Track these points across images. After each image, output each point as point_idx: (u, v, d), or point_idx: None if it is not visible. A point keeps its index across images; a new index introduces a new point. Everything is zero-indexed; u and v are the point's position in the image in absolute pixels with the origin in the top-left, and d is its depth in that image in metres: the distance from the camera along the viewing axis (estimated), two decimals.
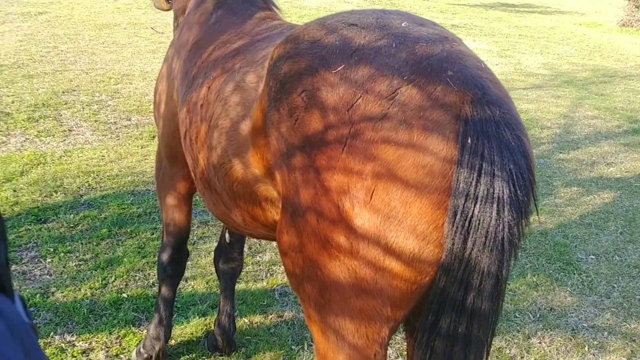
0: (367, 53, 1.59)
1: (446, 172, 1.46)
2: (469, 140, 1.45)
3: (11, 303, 0.58)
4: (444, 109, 1.47)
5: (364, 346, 1.65)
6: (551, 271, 4.41)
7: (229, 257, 3.28)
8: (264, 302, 3.76)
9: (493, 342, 2.20)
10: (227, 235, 3.24)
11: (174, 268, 3.05)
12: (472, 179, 1.45)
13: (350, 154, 1.51)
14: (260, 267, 4.16)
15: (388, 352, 2.02)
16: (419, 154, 1.46)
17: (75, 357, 3.11)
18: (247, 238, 3.47)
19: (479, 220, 1.46)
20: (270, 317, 3.63)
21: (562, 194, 5.81)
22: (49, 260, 3.96)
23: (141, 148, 5.95)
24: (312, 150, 1.59)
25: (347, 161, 1.51)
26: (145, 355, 3.08)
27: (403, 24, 1.69)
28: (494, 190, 1.46)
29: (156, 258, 3.89)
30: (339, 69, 1.60)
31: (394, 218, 1.49)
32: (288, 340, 3.42)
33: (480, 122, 1.46)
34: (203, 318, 3.55)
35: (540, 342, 3.59)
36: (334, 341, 1.68)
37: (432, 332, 1.60)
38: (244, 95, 1.99)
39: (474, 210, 1.45)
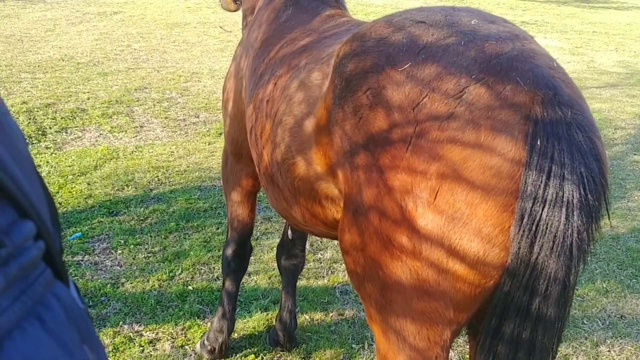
0: (434, 51, 1.57)
1: (514, 174, 1.43)
2: (539, 142, 1.41)
3: (67, 289, 0.61)
4: (513, 109, 1.44)
5: (425, 348, 1.63)
6: (622, 277, 4.23)
7: (291, 254, 3.31)
8: (324, 299, 3.79)
9: (559, 349, 2.14)
10: (289, 232, 3.27)
11: (237, 263, 3.11)
12: (541, 182, 1.41)
13: (415, 154, 1.49)
14: (322, 264, 4.18)
15: (450, 354, 1.99)
16: (486, 155, 1.43)
17: (142, 346, 3.22)
18: (309, 235, 3.50)
19: (547, 224, 1.42)
20: (331, 314, 3.65)
21: (635, 198, 5.57)
22: (120, 251, 4.11)
23: (208, 145, 6.10)
24: (376, 149, 1.58)
25: (412, 160, 1.50)
26: (209, 347, 3.15)
27: (472, 22, 1.66)
28: (563, 194, 1.42)
29: (221, 252, 3.98)
30: (405, 66, 1.58)
31: (458, 220, 1.46)
32: (348, 338, 3.43)
33: (551, 123, 1.42)
34: (265, 313, 3.60)
35: (609, 351, 3.45)
36: (394, 342, 1.67)
37: (495, 337, 1.57)
38: (309, 92, 2.00)
39: (541, 213, 1.42)
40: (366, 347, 3.36)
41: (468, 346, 2.11)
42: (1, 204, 0.50)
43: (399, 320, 1.64)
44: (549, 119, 1.43)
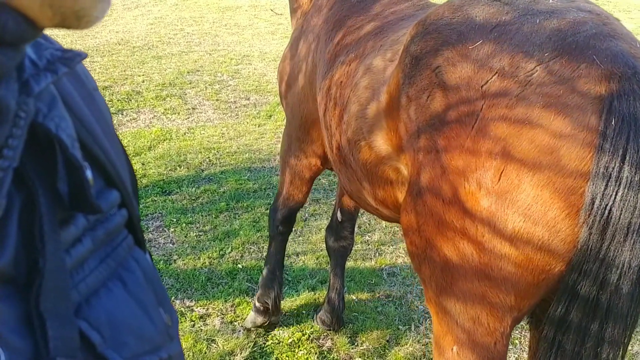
0: (508, 29, 1.52)
1: (584, 156, 1.36)
2: (613, 122, 1.33)
3: (145, 255, 0.65)
4: (586, 87, 1.37)
5: (484, 334, 1.59)
6: None
7: (340, 236, 3.34)
8: (372, 280, 3.81)
9: (630, 345, 2.06)
10: (339, 214, 3.30)
11: (286, 226, 3.20)
12: (615, 164, 1.33)
13: (480, 132, 1.46)
14: (369, 246, 4.20)
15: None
16: (555, 136, 1.37)
17: (193, 321, 3.32)
18: (358, 217, 3.51)
19: (621, 209, 1.34)
20: (377, 295, 3.67)
21: None
22: (172, 229, 4.23)
23: (258, 127, 6.17)
24: (442, 127, 1.55)
25: (477, 140, 1.46)
26: (262, 307, 3.22)
27: (551, 1, 1.60)
28: (639, 177, 1.33)
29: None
30: (476, 44, 1.54)
31: (522, 202, 1.40)
32: (395, 320, 3.45)
33: (628, 102, 1.34)
34: (312, 292, 3.66)
35: None
36: (452, 326, 1.64)
37: (560, 327, 1.51)
38: (376, 76, 1.99)
39: (615, 198, 1.33)
40: (413, 328, 3.37)
41: (529, 335, 2.06)
42: (94, 174, 0.55)
43: (457, 304, 1.60)
44: (626, 97, 1.35)
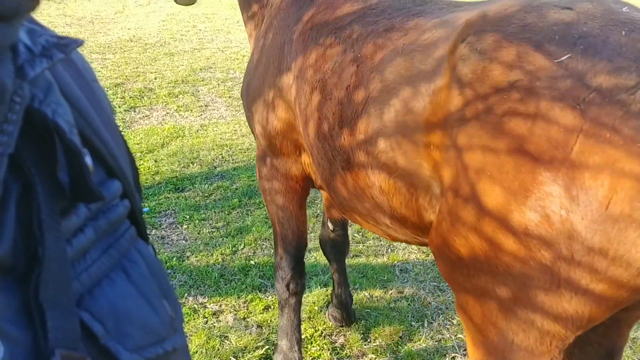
0: (593, 42, 1.39)
1: None
2: None
3: (148, 246, 0.64)
4: None
5: (543, 352, 1.49)
6: None
7: (335, 242, 3.26)
8: (384, 277, 3.79)
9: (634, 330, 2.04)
10: (330, 225, 3.20)
11: (298, 282, 2.78)
12: None
13: (582, 155, 1.32)
14: (382, 242, 4.18)
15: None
16: None
17: (206, 317, 3.33)
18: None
19: None
20: (390, 292, 3.66)
21: None
22: (185, 226, 4.24)
23: None
24: (536, 158, 1.38)
25: (576, 168, 1.33)
26: None
27: (624, 9, 1.48)
28: None
29: None
30: (563, 58, 1.39)
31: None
32: (408, 316, 3.43)
33: None
34: (324, 288, 3.65)
35: None
36: (501, 341, 1.54)
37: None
38: (416, 78, 1.74)
39: None
40: (425, 325, 3.35)
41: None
42: (94, 164, 0.54)
43: (521, 316, 1.48)
44: None
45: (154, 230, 4.17)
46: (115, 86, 6.92)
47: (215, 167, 5.16)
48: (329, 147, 2.11)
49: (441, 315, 3.44)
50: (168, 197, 4.62)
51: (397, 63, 1.83)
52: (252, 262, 3.86)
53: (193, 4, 3.08)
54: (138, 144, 5.53)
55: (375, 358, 3.11)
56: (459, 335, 3.28)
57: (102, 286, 0.53)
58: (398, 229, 2.02)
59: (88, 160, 0.50)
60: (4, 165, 0.43)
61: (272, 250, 3.99)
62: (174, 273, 3.72)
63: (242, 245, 4.04)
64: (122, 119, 6.13)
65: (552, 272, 1.39)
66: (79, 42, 0.52)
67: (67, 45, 0.51)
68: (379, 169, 1.89)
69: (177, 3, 2.99)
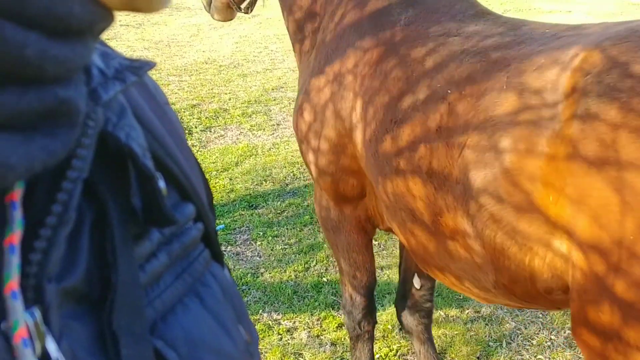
0: None
1: None
2: None
3: (222, 269, 0.64)
4: None
5: None
6: None
7: (419, 308, 2.76)
8: (460, 296, 3.69)
9: None
10: (416, 282, 2.71)
11: (370, 320, 2.62)
12: None
13: None
14: None
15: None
16: None
17: (280, 334, 3.34)
18: None
19: None
20: (466, 311, 3.56)
21: None
22: (259, 243, 4.30)
23: None
24: None
25: None
26: None
27: None
28: None
29: None
30: None
31: None
32: (485, 336, 3.32)
33: None
34: None
35: None
36: None
37: None
38: (532, 120, 1.52)
39: None
40: (504, 345, 3.24)
41: None
42: (167, 187, 0.54)
43: None
44: None
45: (229, 247, 4.24)
46: (192, 107, 7.13)
47: (287, 185, 5.22)
48: (410, 195, 1.87)
49: (520, 336, 3.31)
50: (242, 215, 4.70)
51: (503, 101, 1.58)
52: (324, 279, 3.86)
53: (231, 19, 3.18)
54: (214, 162, 5.66)
55: None
56: (539, 357, 3.15)
57: (175, 312, 0.53)
58: (500, 295, 1.78)
59: (161, 184, 0.50)
60: (79, 191, 0.43)
61: None
62: (249, 289, 3.77)
63: (315, 262, 4.04)
64: (199, 138, 6.30)
65: None
66: (151, 65, 0.53)
67: (140, 68, 0.51)
68: (483, 224, 1.62)
69: (214, 19, 3.08)
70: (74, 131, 0.42)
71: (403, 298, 2.80)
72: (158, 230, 0.54)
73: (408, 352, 3.23)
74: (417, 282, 2.70)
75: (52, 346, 0.41)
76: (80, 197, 0.44)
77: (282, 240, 4.33)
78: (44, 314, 0.41)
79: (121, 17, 12.80)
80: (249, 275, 3.90)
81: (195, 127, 6.57)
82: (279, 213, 4.73)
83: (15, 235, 0.40)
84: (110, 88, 0.47)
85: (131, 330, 0.46)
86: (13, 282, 0.39)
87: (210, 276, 0.60)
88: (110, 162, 0.49)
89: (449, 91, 1.72)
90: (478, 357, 3.17)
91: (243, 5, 3.06)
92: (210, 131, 6.52)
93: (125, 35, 11.11)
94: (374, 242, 4.25)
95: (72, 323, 0.45)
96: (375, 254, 3.91)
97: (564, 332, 3.34)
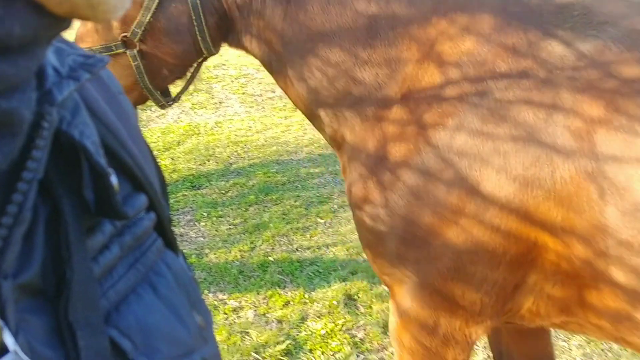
0: None
1: None
2: None
3: (176, 257, 0.65)
4: None
5: None
6: None
7: None
8: None
9: None
10: None
11: None
12: None
13: None
14: None
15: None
16: None
17: (226, 314, 3.36)
18: None
19: None
20: None
21: None
22: (203, 223, 4.27)
23: (285, 119, 6.17)
24: None
25: None
26: None
27: None
28: None
29: (300, 224, 4.07)
30: None
31: None
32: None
33: None
34: (343, 283, 3.65)
35: None
36: None
37: None
38: None
39: None
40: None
41: None
42: (119, 178, 0.54)
43: None
44: None
45: (172, 228, 4.20)
46: None
47: (231, 164, 5.19)
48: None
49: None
50: (185, 195, 4.66)
51: None
52: (270, 258, 3.88)
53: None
54: (155, 142, 5.57)
55: None
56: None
57: (129, 302, 0.54)
58: None
59: (114, 179, 0.51)
60: (34, 191, 0.44)
61: (290, 246, 4.01)
62: (194, 270, 3.75)
63: (260, 242, 4.06)
64: (139, 118, 6.17)
65: None
66: (105, 61, 0.53)
67: (94, 65, 0.51)
68: None
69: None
70: (17, 139, 0.42)
71: None
72: (110, 222, 0.54)
73: (353, 327, 3.31)
74: None
75: (9, 340, 0.41)
76: (36, 195, 0.45)
77: (227, 221, 4.31)
78: (0, 309, 0.41)
79: None
80: (194, 256, 3.88)
81: (136, 107, 6.43)
82: (223, 193, 4.71)
83: None
84: (64, 88, 0.47)
85: (87, 323, 0.47)
86: None
87: (164, 265, 0.61)
88: (64, 159, 0.49)
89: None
90: None
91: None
92: (151, 110, 6.39)
93: None
94: (319, 220, 4.31)
95: (28, 317, 0.45)
96: (321, 232, 3.97)
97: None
